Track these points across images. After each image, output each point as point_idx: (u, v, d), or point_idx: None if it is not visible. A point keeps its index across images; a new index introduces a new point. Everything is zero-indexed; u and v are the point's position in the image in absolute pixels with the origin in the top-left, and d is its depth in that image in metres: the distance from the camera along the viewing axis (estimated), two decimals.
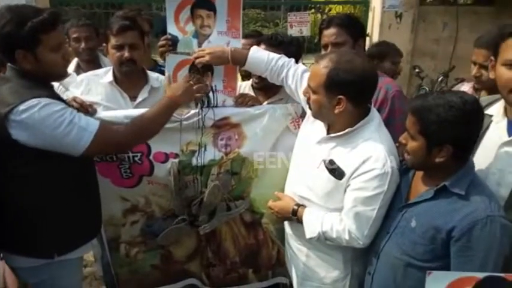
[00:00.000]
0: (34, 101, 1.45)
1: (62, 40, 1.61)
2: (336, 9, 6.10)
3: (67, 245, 1.68)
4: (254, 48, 1.88)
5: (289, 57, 1.90)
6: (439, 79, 4.89)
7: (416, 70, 5.05)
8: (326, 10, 6.05)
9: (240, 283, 2.21)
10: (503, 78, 1.37)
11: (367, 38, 5.16)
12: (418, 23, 5.21)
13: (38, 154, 1.50)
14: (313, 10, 6.16)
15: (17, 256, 1.65)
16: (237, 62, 1.88)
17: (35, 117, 1.44)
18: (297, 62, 1.99)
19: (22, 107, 1.43)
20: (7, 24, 1.45)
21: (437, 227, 1.32)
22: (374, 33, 5.25)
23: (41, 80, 1.56)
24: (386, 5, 5.08)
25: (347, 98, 1.47)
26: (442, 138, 1.30)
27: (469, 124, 1.30)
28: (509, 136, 1.41)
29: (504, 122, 1.43)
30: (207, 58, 1.83)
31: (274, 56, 1.85)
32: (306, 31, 5.07)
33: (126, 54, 1.96)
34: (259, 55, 1.85)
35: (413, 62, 5.26)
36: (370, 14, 5.23)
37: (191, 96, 1.84)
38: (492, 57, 1.45)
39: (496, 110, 1.48)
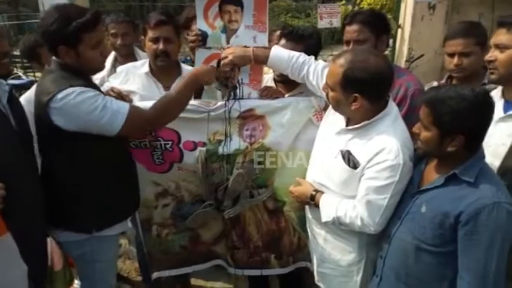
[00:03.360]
0: (70, 89, 1.60)
1: (101, 38, 1.74)
2: (368, 1, 6.03)
3: (104, 222, 1.85)
4: (275, 47, 1.95)
5: (309, 50, 1.97)
6: None
7: None
8: (357, 2, 6.00)
9: (263, 267, 2.32)
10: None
11: (399, 30, 5.09)
12: (451, 14, 5.07)
13: (77, 138, 1.65)
14: (344, 1, 6.12)
15: (60, 231, 1.83)
16: (259, 61, 1.96)
17: (70, 103, 1.59)
18: (317, 54, 2.04)
19: (60, 95, 1.59)
20: (54, 23, 1.61)
21: (446, 212, 1.38)
22: (406, 24, 5.13)
23: (80, 72, 1.71)
24: None
25: (362, 95, 1.54)
26: (454, 128, 1.35)
27: (480, 115, 1.35)
28: (505, 113, 1.64)
29: (501, 102, 1.67)
30: (230, 58, 1.93)
31: (294, 54, 1.91)
32: (336, 22, 5.06)
33: (161, 46, 2.09)
34: (281, 54, 1.92)
35: None
36: (402, 5, 5.11)
37: (212, 75, 1.93)
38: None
39: (494, 92, 1.69)
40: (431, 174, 1.51)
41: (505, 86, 1.67)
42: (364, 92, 1.53)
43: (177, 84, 2.19)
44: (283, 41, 2.07)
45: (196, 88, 1.92)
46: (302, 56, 1.91)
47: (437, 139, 1.40)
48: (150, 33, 2.12)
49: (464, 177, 1.38)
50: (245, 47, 1.99)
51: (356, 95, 1.54)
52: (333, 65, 1.59)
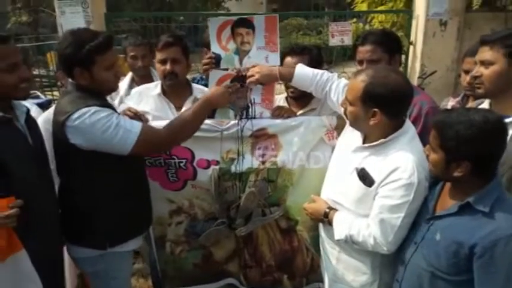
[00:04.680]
0: (85, 109, 1.65)
1: (115, 60, 1.80)
2: (379, 18, 6.06)
3: (118, 238, 1.87)
4: (300, 66, 1.99)
5: (314, 60, 2.05)
6: None
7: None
8: (369, 19, 6.04)
9: (276, 287, 2.30)
10: None
11: (411, 47, 5.10)
12: (463, 30, 5.06)
13: (93, 156, 1.70)
14: (355, 19, 6.16)
15: (76, 247, 1.86)
16: (284, 79, 2.01)
17: (86, 122, 1.64)
18: (321, 63, 2.14)
19: (76, 114, 1.64)
20: (69, 46, 1.69)
21: (460, 242, 1.34)
22: (418, 41, 5.15)
23: (95, 93, 1.77)
24: (430, 13, 4.94)
25: (382, 111, 1.55)
26: (460, 154, 1.33)
27: (488, 143, 1.31)
28: None
29: None
30: (257, 77, 1.97)
31: (318, 71, 1.95)
32: (348, 40, 5.09)
33: (168, 67, 2.15)
34: (305, 72, 1.95)
35: (459, 70, 5.09)
36: (414, 22, 5.14)
37: (226, 99, 1.97)
38: None
39: (482, 106, 1.74)
40: (446, 199, 1.48)
41: (492, 100, 1.69)
42: (384, 107, 1.54)
43: (191, 106, 2.26)
44: (288, 59, 2.13)
45: (209, 111, 1.96)
46: (326, 74, 1.95)
47: (444, 163, 1.38)
48: (158, 55, 2.18)
49: (478, 207, 1.33)
50: None
51: (375, 109, 1.55)
52: (354, 80, 1.61)
